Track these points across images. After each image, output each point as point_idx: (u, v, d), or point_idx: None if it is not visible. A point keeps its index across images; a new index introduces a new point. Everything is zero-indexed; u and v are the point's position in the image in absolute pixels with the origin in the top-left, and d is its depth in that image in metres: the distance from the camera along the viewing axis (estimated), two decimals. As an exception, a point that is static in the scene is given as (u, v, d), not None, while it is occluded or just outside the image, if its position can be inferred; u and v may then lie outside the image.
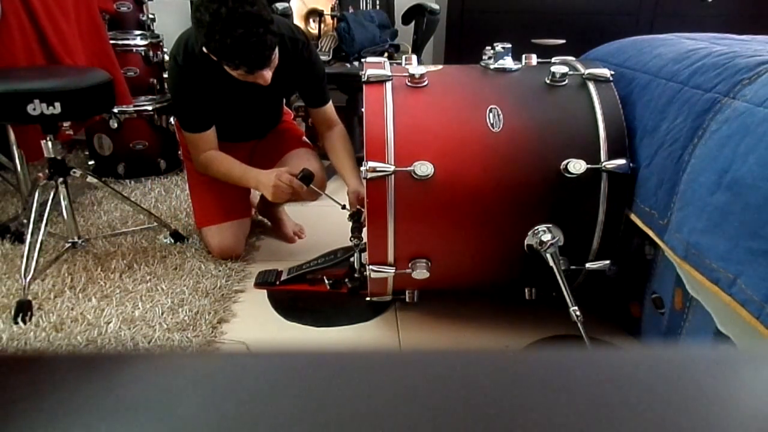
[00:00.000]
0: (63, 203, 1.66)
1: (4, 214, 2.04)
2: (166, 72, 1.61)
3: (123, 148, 2.38)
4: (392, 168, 1.20)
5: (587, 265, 1.31)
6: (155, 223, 1.88)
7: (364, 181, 1.22)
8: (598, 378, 0.21)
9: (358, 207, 1.52)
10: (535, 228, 1.25)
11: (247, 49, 1.36)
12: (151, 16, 2.39)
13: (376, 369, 0.21)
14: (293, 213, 1.99)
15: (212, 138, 1.65)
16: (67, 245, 1.73)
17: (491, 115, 1.25)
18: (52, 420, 0.18)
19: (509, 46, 1.35)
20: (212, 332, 1.38)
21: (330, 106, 1.75)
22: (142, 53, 2.34)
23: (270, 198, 1.56)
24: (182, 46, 1.53)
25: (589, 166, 1.21)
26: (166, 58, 2.47)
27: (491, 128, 1.23)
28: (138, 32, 2.34)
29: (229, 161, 1.63)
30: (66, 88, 1.48)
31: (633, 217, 1.23)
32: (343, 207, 1.57)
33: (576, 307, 1.18)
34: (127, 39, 2.32)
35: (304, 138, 1.90)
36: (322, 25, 2.47)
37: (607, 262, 1.32)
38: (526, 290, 1.42)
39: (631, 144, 1.25)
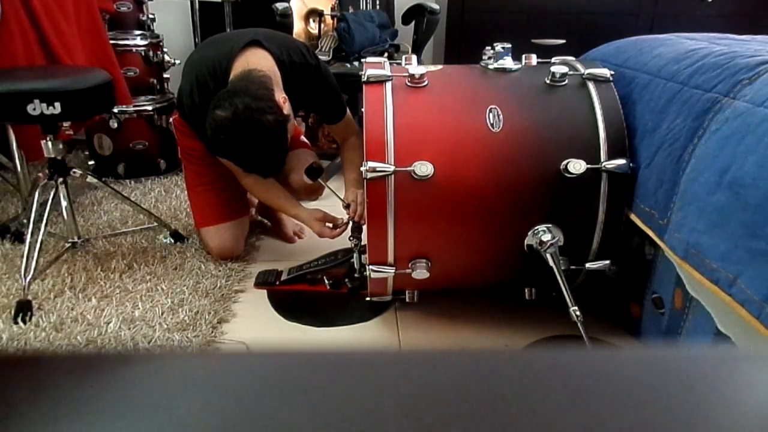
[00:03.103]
0: (63, 203, 1.66)
1: (4, 214, 2.04)
2: (183, 102, 1.61)
3: (123, 148, 2.38)
4: (392, 168, 1.20)
5: (587, 265, 1.31)
6: (155, 223, 1.87)
7: (364, 181, 1.22)
8: (598, 378, 0.21)
9: (355, 220, 1.53)
10: (535, 228, 1.25)
11: (260, 172, 1.51)
12: (151, 16, 2.39)
13: (376, 369, 0.21)
14: (293, 213, 1.99)
15: None
16: (67, 245, 1.73)
17: (491, 115, 1.25)
18: (52, 420, 0.18)
19: (509, 46, 1.35)
20: (212, 332, 1.38)
21: (345, 120, 1.72)
22: (142, 53, 2.34)
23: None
24: (194, 82, 1.54)
25: (589, 166, 1.21)
26: (167, 58, 2.47)
27: (491, 128, 1.23)
28: (138, 32, 2.34)
29: (274, 190, 1.68)
30: (66, 88, 1.48)
31: (633, 217, 1.23)
32: (347, 206, 1.57)
33: (576, 307, 1.18)
34: (127, 39, 2.32)
35: (303, 138, 1.90)
36: (322, 25, 2.47)
37: (607, 262, 1.32)
38: (526, 290, 1.42)
39: (631, 144, 1.25)
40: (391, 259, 1.28)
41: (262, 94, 1.39)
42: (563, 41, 2.64)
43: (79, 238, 1.75)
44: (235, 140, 1.39)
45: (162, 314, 1.42)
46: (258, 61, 1.48)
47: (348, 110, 1.73)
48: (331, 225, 1.61)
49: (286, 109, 1.45)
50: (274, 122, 1.38)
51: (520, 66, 1.37)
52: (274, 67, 1.50)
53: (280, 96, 1.44)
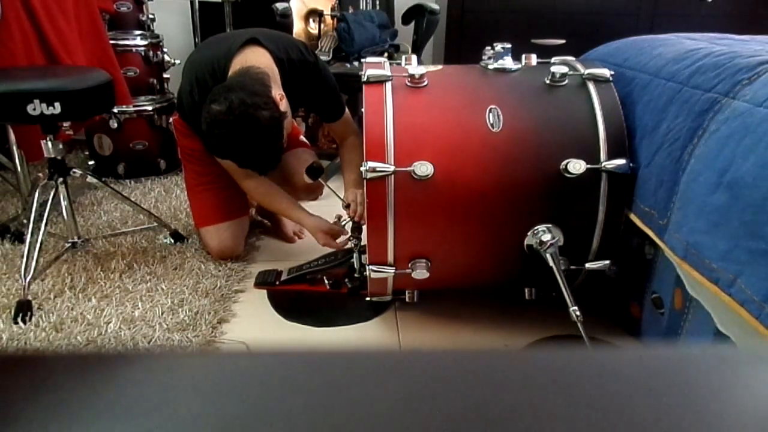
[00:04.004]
0: (63, 203, 1.66)
1: (4, 214, 2.04)
2: (184, 103, 1.61)
3: (123, 148, 2.38)
4: (392, 168, 1.20)
5: (587, 265, 1.31)
6: (155, 223, 1.87)
7: (364, 181, 1.22)
8: (598, 378, 0.21)
9: (354, 219, 1.53)
10: (535, 228, 1.25)
11: (255, 168, 1.49)
12: (151, 16, 2.39)
13: (376, 369, 0.21)
14: (293, 213, 1.98)
15: None
16: (67, 245, 1.73)
17: (491, 115, 1.25)
18: (52, 420, 0.18)
19: (509, 46, 1.35)
20: (212, 332, 1.38)
21: (344, 118, 1.72)
22: (142, 53, 2.34)
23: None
24: (194, 82, 1.54)
25: (589, 166, 1.21)
26: (167, 58, 2.47)
27: (491, 128, 1.23)
28: (138, 32, 2.34)
29: (276, 195, 1.68)
30: (66, 88, 1.48)
31: (633, 217, 1.23)
32: (347, 206, 1.57)
33: (576, 307, 1.18)
34: (127, 39, 2.32)
35: (302, 137, 1.90)
36: (322, 25, 2.47)
37: (607, 262, 1.32)
38: (526, 290, 1.42)
39: (631, 144, 1.25)
40: (391, 259, 1.28)
41: (259, 89, 1.39)
42: (563, 41, 2.64)
43: (79, 238, 1.75)
44: (229, 135, 1.38)
45: (162, 314, 1.42)
46: (256, 58, 1.48)
47: (347, 110, 1.73)
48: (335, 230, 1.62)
49: (283, 106, 1.45)
50: (269, 118, 1.38)
51: (520, 66, 1.37)
52: (272, 65, 1.50)
53: (277, 93, 1.44)
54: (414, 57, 1.33)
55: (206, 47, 1.63)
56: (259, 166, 1.49)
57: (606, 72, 1.30)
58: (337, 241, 1.62)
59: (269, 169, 1.54)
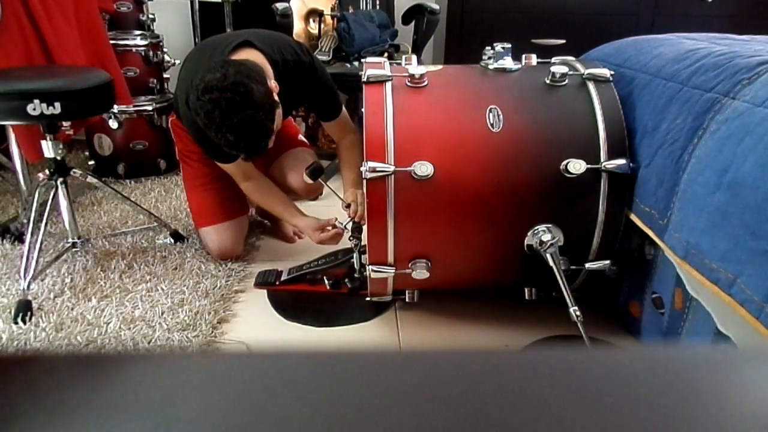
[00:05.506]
0: (63, 203, 1.66)
1: (4, 214, 2.04)
2: (180, 110, 1.60)
3: (123, 148, 2.38)
4: (392, 168, 1.20)
5: (587, 265, 1.31)
6: (155, 223, 1.87)
7: (364, 182, 1.22)
8: (598, 378, 0.21)
9: (355, 220, 1.53)
10: (535, 228, 1.25)
11: (243, 148, 1.42)
12: (151, 16, 2.39)
13: (376, 369, 0.21)
14: (293, 213, 1.98)
15: (247, 164, 1.62)
16: (67, 245, 1.73)
17: (491, 115, 1.25)
18: (52, 420, 0.18)
19: (509, 46, 1.35)
20: (212, 332, 1.38)
21: (341, 117, 1.71)
22: (142, 53, 2.34)
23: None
24: (190, 87, 1.52)
25: (589, 166, 1.21)
26: (167, 58, 2.47)
27: (491, 128, 1.23)
28: (138, 32, 2.34)
29: (273, 197, 1.68)
30: (66, 88, 1.48)
31: (633, 217, 1.23)
32: (347, 206, 1.57)
33: (576, 307, 1.18)
34: (127, 39, 2.32)
35: (301, 137, 1.90)
36: (322, 25, 2.47)
37: (607, 262, 1.32)
38: (526, 290, 1.42)
39: (631, 144, 1.25)
40: (391, 259, 1.28)
41: (256, 69, 1.38)
42: (563, 41, 2.64)
43: (79, 238, 1.75)
44: (219, 101, 1.32)
45: (162, 314, 1.42)
46: (249, 59, 1.48)
47: (344, 109, 1.72)
48: (329, 229, 1.61)
49: (276, 96, 1.43)
50: (263, 94, 1.35)
51: (520, 66, 1.37)
52: (266, 65, 1.50)
53: (272, 82, 1.43)
54: (414, 57, 1.33)
55: (200, 52, 1.61)
56: (246, 146, 1.41)
57: (606, 72, 1.30)
58: (330, 232, 1.61)
59: (255, 154, 1.49)
